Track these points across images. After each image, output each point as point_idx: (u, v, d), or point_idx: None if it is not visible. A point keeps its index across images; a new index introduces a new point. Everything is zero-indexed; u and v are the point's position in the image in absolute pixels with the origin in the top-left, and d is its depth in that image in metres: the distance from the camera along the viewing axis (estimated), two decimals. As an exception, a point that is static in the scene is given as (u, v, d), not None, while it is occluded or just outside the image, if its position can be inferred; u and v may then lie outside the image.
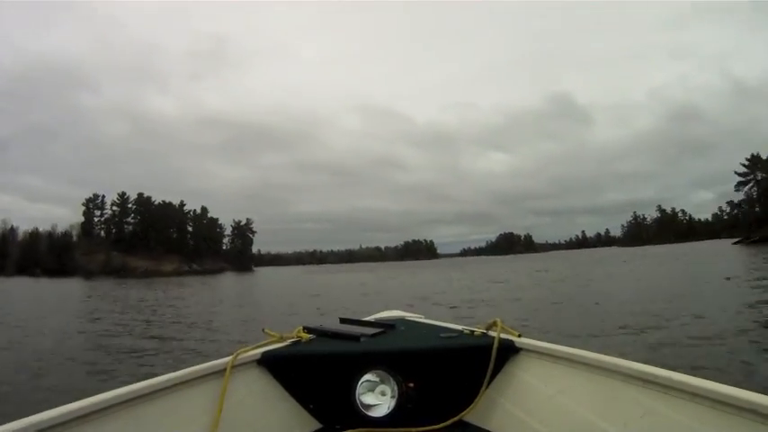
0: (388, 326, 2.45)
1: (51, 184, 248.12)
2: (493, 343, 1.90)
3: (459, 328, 2.30)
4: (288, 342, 2.13)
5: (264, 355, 1.96)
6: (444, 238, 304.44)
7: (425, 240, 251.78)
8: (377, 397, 1.84)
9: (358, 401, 1.82)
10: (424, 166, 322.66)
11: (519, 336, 1.98)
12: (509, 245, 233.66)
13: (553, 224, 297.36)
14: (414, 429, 1.75)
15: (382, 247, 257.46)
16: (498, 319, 2.05)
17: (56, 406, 1.31)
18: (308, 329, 2.27)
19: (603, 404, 1.50)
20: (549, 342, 1.87)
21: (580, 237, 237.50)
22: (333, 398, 1.87)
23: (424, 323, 2.69)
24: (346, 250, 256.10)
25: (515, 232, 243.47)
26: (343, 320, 2.63)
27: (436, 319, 2.79)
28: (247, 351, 1.93)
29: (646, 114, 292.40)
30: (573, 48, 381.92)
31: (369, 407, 1.82)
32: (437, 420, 1.79)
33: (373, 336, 2.21)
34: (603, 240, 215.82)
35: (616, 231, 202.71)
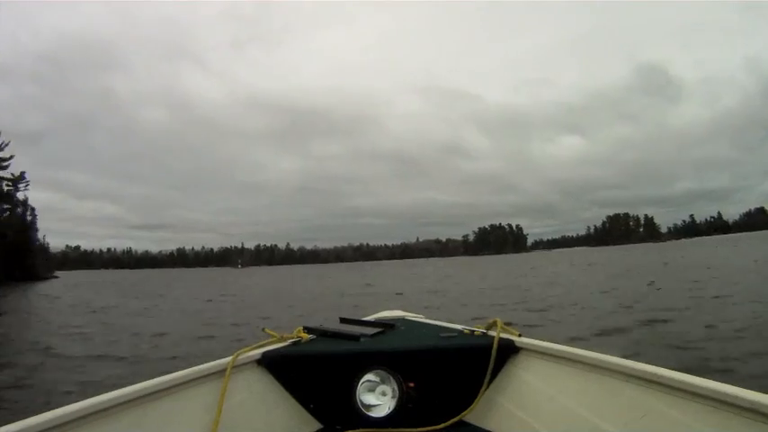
0: (388, 326, 2.46)
1: (99, 180, 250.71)
2: (493, 343, 1.90)
3: (459, 327, 2.32)
4: (288, 342, 2.14)
5: (265, 355, 1.97)
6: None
7: (511, 226, 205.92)
8: (377, 397, 1.85)
9: (358, 401, 1.83)
10: (492, 152, 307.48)
11: (519, 335, 1.99)
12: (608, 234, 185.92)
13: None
14: (414, 429, 1.76)
15: (443, 238, 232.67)
16: (498, 319, 2.06)
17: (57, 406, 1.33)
18: (308, 329, 2.26)
19: (604, 404, 1.51)
20: (549, 341, 1.88)
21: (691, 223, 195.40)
22: (333, 398, 1.88)
23: (424, 323, 2.70)
24: (401, 244, 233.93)
25: (630, 213, 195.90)
26: (343, 320, 2.64)
27: (436, 319, 2.79)
28: (247, 351, 1.94)
29: (736, 90, 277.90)
30: (664, 16, 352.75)
31: (369, 407, 1.82)
32: (437, 420, 1.80)
33: (373, 336, 2.22)
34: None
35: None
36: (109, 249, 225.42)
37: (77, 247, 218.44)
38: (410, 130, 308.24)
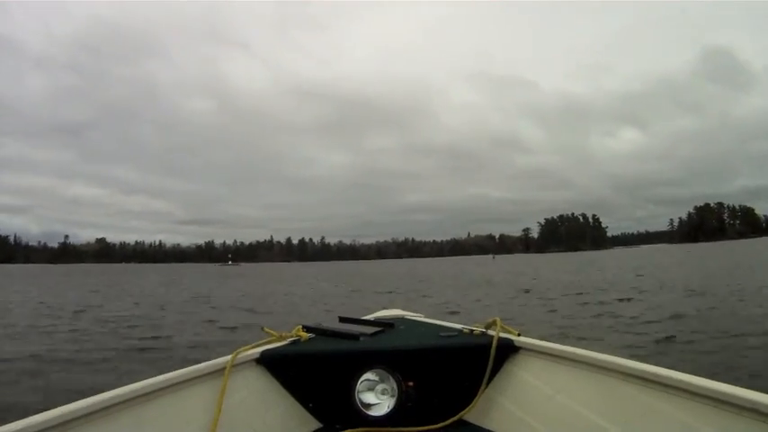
0: (387, 325, 2.45)
1: (145, 175, 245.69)
2: (492, 342, 1.91)
3: (459, 327, 2.31)
4: (287, 341, 2.14)
5: (264, 354, 1.96)
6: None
7: (586, 217, 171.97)
8: (376, 396, 1.84)
9: (357, 400, 1.82)
10: (547, 145, 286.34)
11: (518, 335, 2.00)
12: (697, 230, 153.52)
13: (668, 214, 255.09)
14: (413, 428, 1.76)
15: (496, 234, 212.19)
16: (498, 318, 2.06)
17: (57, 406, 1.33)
18: (307, 328, 2.26)
19: (603, 403, 1.51)
20: (548, 341, 1.88)
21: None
22: (332, 397, 1.88)
23: (423, 322, 2.70)
24: (450, 240, 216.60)
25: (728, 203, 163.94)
26: (342, 319, 2.63)
27: (436, 319, 2.79)
28: (246, 350, 1.93)
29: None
30: None
31: (368, 406, 1.82)
32: (437, 419, 1.80)
33: (373, 335, 2.21)
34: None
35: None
36: (139, 242, 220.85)
37: (102, 239, 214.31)
38: (464, 122, 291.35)
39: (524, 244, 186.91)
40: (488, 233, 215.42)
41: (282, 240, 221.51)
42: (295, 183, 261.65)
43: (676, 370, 1.37)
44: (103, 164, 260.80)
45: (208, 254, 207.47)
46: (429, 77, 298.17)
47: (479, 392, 1.83)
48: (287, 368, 1.95)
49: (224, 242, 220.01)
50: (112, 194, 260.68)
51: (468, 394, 1.84)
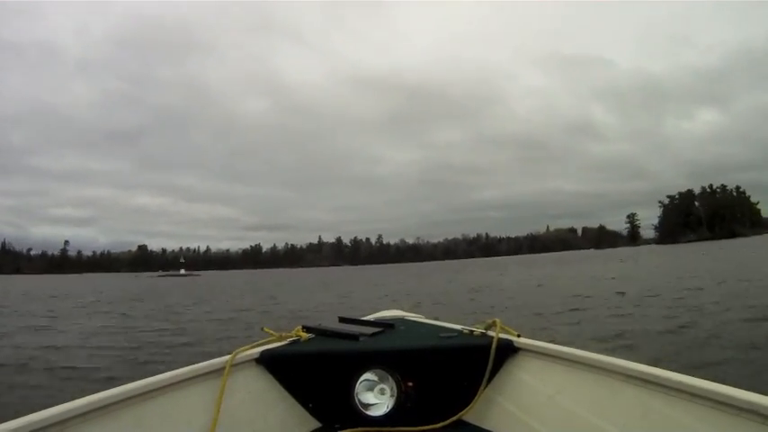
0: (387, 325, 2.45)
1: (207, 181, 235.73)
2: (492, 343, 1.91)
3: (459, 327, 2.31)
4: (287, 341, 2.14)
5: (263, 354, 1.97)
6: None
7: (736, 190, 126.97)
8: (376, 396, 1.85)
9: (357, 401, 1.82)
10: (621, 131, 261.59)
11: (518, 335, 1.99)
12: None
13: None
14: (413, 429, 1.76)
15: (578, 228, 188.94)
16: (497, 319, 2.06)
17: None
18: (306, 328, 2.26)
19: (603, 404, 1.52)
20: (547, 342, 1.89)
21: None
22: (332, 397, 1.88)
23: (423, 322, 2.70)
24: (528, 235, 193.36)
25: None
26: (342, 319, 2.63)
27: (436, 319, 2.81)
28: (246, 350, 1.94)
29: None
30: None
31: (368, 406, 1.82)
32: (436, 420, 1.80)
33: (372, 335, 2.21)
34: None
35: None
36: (182, 249, 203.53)
37: (144, 246, 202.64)
38: (535, 109, 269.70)
39: (631, 234, 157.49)
40: (570, 226, 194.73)
41: (333, 241, 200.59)
42: (363, 183, 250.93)
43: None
44: (163, 171, 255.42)
45: (253, 258, 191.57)
46: (496, 62, 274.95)
47: (479, 393, 1.83)
48: (287, 368, 1.95)
49: (274, 245, 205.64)
50: (176, 202, 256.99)
51: (467, 395, 1.84)
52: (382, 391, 1.85)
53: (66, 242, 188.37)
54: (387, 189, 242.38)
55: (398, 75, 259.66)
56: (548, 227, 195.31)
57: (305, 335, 2.20)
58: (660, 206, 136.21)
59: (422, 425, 1.76)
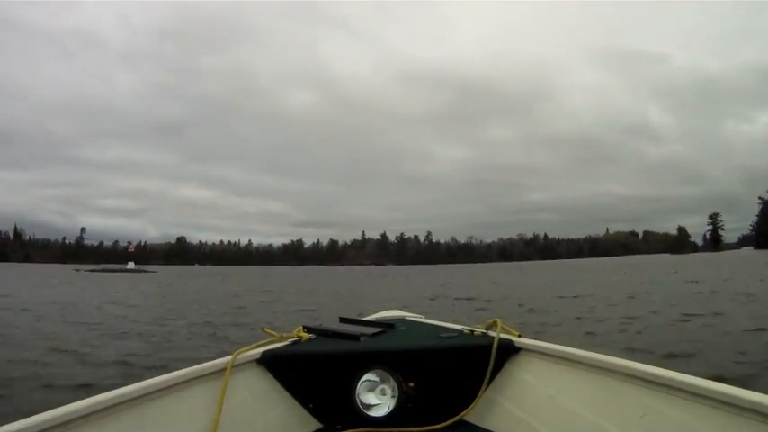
0: (388, 325, 2.45)
1: (255, 175, 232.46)
2: (493, 343, 1.91)
3: (459, 327, 2.31)
4: (288, 341, 2.14)
5: (264, 354, 1.96)
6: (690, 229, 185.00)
7: None
8: (377, 396, 1.85)
9: (358, 401, 1.83)
10: (678, 132, 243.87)
11: (519, 335, 1.99)
12: None
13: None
14: (414, 429, 1.76)
15: (639, 232, 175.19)
16: (498, 319, 2.05)
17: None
18: (307, 329, 2.26)
19: (603, 404, 1.52)
20: (548, 342, 1.89)
21: None
22: (333, 397, 1.88)
23: (424, 323, 2.70)
24: (586, 237, 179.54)
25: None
26: (343, 320, 2.64)
27: (436, 319, 2.79)
28: (247, 350, 1.94)
29: None
30: None
31: (369, 406, 1.83)
32: (437, 420, 1.80)
33: (373, 335, 2.21)
34: None
35: None
36: (222, 243, 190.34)
37: (182, 238, 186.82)
38: (589, 107, 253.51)
39: (713, 239, 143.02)
40: (632, 229, 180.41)
41: (378, 237, 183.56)
42: (412, 180, 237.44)
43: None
44: (210, 164, 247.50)
45: (293, 254, 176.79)
46: (549, 57, 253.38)
47: (480, 393, 1.83)
48: (288, 368, 1.94)
49: (317, 241, 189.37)
50: (225, 196, 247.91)
51: (468, 395, 1.84)
52: (383, 392, 1.84)
53: (83, 229, 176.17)
54: (436, 187, 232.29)
55: (449, 69, 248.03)
56: (607, 229, 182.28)
57: (306, 335, 2.19)
58: (759, 203, 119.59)
59: (423, 425, 1.76)
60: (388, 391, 1.84)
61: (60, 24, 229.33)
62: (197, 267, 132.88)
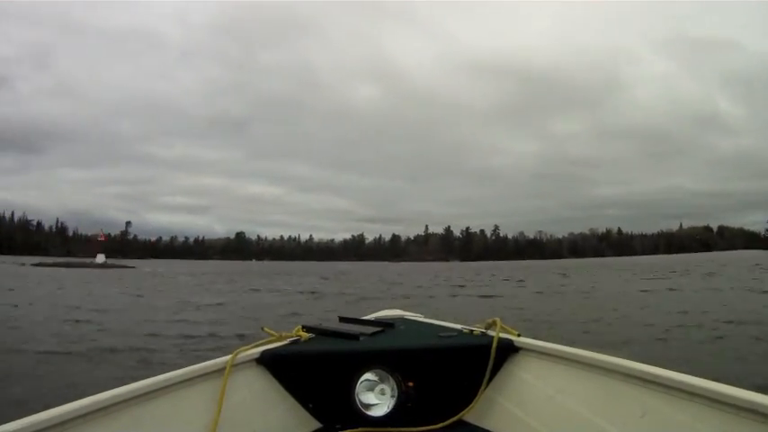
0: (387, 325, 2.44)
1: (319, 171, 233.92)
2: (492, 342, 1.91)
3: (459, 327, 2.31)
4: (287, 341, 2.13)
5: (264, 354, 1.96)
6: (752, 226, 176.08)
7: None
8: (376, 396, 1.85)
9: (357, 401, 1.83)
10: (749, 124, 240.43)
11: (518, 335, 2.00)
12: None
13: None
14: (413, 429, 1.76)
15: (713, 227, 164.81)
16: (498, 319, 2.05)
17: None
18: (307, 328, 2.25)
19: (603, 404, 1.52)
20: (548, 341, 1.89)
21: None
22: (332, 397, 1.88)
23: (423, 322, 2.70)
24: (659, 233, 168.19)
25: None
26: (342, 319, 2.64)
27: (436, 319, 2.78)
28: (246, 350, 1.93)
29: None
30: None
31: (368, 406, 1.83)
32: (436, 420, 1.80)
33: (373, 335, 2.21)
34: None
35: None
36: (281, 238, 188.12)
37: (241, 234, 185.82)
38: (658, 97, 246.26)
39: None
40: (706, 224, 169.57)
41: (442, 232, 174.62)
42: (478, 175, 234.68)
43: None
44: (274, 160, 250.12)
45: (354, 250, 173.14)
46: (618, 46, 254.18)
47: (479, 393, 1.84)
48: (287, 368, 1.94)
49: (379, 236, 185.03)
50: (290, 192, 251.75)
51: (467, 394, 1.84)
52: (383, 391, 1.84)
53: (128, 223, 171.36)
54: (501, 182, 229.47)
55: (515, 59, 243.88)
56: (680, 224, 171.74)
57: (305, 335, 2.18)
58: None
59: (422, 425, 1.77)
60: (388, 390, 1.84)
61: (120, 25, 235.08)
62: (253, 263, 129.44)
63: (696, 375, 1.32)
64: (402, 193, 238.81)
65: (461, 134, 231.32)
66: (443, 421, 1.80)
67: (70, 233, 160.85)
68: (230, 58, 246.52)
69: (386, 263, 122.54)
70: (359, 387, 1.84)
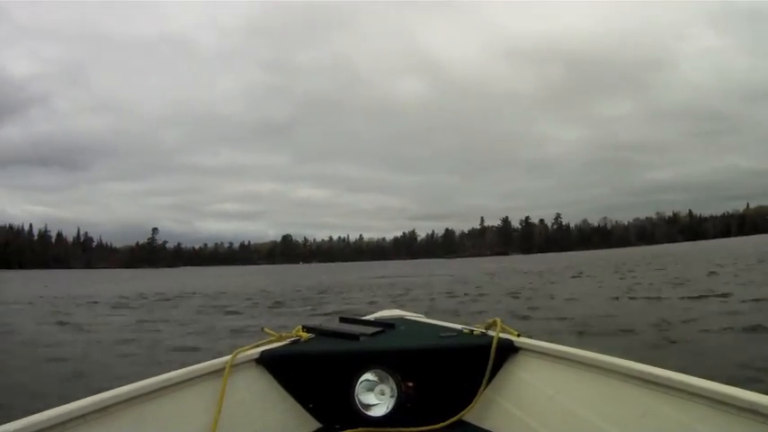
0: (387, 325, 2.44)
1: (367, 169, 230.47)
2: (492, 342, 1.92)
3: (459, 327, 2.31)
4: (287, 341, 2.14)
5: (263, 354, 1.97)
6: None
7: None
8: (376, 396, 1.85)
9: (357, 401, 1.83)
10: None
11: (518, 335, 2.00)
12: None
13: None
14: (413, 429, 1.77)
15: None
16: (498, 319, 2.06)
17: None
18: (307, 328, 2.26)
19: (603, 404, 1.53)
20: (548, 341, 1.90)
21: None
22: (332, 397, 1.88)
23: (423, 322, 2.70)
24: (725, 214, 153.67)
25: None
26: (342, 319, 2.65)
27: (436, 319, 2.81)
28: (246, 350, 1.94)
29: None
30: None
31: (368, 406, 1.83)
32: (436, 420, 1.81)
33: (373, 335, 2.21)
34: None
35: None
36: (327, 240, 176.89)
37: (288, 236, 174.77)
38: (709, 74, 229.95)
39: None
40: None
41: (499, 224, 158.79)
42: (529, 165, 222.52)
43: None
44: (321, 162, 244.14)
45: (406, 248, 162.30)
46: (664, 22, 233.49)
47: (479, 393, 1.84)
48: (287, 368, 1.95)
49: (432, 232, 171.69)
50: (340, 194, 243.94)
51: (467, 395, 1.85)
52: (382, 392, 1.85)
53: (155, 230, 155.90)
54: (553, 172, 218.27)
55: (559, 43, 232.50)
56: (747, 204, 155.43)
57: (305, 335, 2.19)
58: None
59: (422, 425, 1.77)
60: (388, 390, 1.84)
61: (150, 34, 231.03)
62: (300, 266, 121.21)
63: (696, 376, 1.32)
64: (453, 188, 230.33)
65: (510, 124, 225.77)
66: (443, 421, 1.80)
67: (94, 244, 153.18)
68: (266, 59, 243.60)
69: (439, 260, 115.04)
70: (359, 387, 1.83)
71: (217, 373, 1.77)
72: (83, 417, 1.33)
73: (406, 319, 2.77)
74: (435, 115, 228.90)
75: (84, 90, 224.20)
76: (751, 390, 1.18)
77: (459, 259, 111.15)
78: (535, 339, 1.95)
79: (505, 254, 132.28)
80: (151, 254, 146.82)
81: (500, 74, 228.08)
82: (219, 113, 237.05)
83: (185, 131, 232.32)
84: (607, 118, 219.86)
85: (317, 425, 1.88)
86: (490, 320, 2.08)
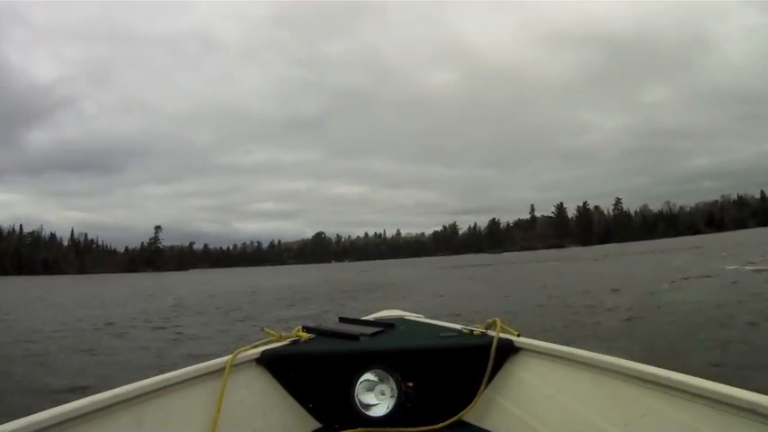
0: (387, 325, 2.44)
1: (402, 164, 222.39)
2: (492, 342, 1.92)
3: (459, 327, 2.32)
4: (287, 341, 2.15)
5: (264, 354, 1.98)
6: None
7: None
8: (376, 396, 1.86)
9: (357, 401, 1.84)
10: None
11: (518, 335, 2.01)
12: None
13: None
14: (413, 429, 1.77)
15: None
16: (498, 319, 2.06)
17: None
18: (307, 328, 2.27)
19: (603, 404, 1.53)
20: (548, 341, 1.90)
21: None
22: (332, 397, 1.89)
23: (423, 322, 2.70)
24: None
25: None
26: (342, 319, 2.66)
27: (436, 319, 2.80)
28: (246, 350, 1.95)
29: None
30: None
31: (368, 406, 1.83)
32: (436, 420, 1.81)
33: (372, 335, 2.22)
34: None
35: None
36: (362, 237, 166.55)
37: (320, 234, 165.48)
38: (751, 54, 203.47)
39: None
40: None
41: (551, 213, 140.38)
42: (568, 155, 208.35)
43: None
44: (356, 157, 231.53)
45: (446, 243, 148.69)
46: (703, 1, 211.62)
47: (479, 393, 1.84)
48: (287, 368, 1.96)
49: (474, 225, 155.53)
50: (377, 190, 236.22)
51: (467, 395, 1.85)
52: (382, 392, 1.85)
53: (158, 228, 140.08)
54: (594, 161, 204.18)
55: (596, 26, 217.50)
56: None
57: (305, 335, 2.20)
58: None
59: (422, 425, 1.77)
60: (387, 390, 1.84)
61: (172, 30, 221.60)
62: (332, 265, 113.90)
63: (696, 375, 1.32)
64: (492, 180, 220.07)
65: (547, 112, 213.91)
66: (443, 421, 1.80)
67: (93, 245, 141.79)
68: (294, 53, 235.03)
69: (484, 255, 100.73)
70: (359, 387, 1.84)
71: (217, 372, 1.76)
72: (83, 416, 1.33)
73: (406, 319, 2.77)
74: (470, 106, 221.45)
75: (109, 91, 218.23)
76: (751, 390, 1.17)
77: (507, 254, 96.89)
78: (535, 339, 1.93)
79: (561, 246, 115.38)
80: (155, 255, 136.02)
81: (536, 60, 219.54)
82: (249, 110, 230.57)
83: (216, 130, 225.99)
84: (647, 104, 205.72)
85: (317, 425, 1.88)
86: (490, 320, 2.07)
